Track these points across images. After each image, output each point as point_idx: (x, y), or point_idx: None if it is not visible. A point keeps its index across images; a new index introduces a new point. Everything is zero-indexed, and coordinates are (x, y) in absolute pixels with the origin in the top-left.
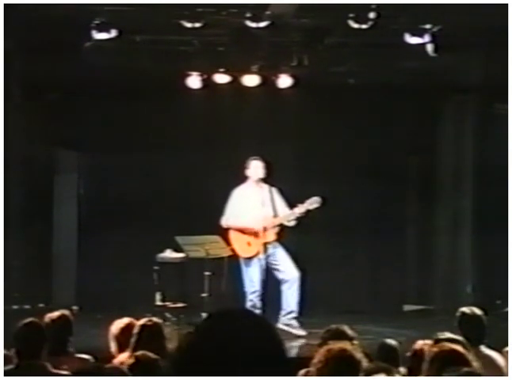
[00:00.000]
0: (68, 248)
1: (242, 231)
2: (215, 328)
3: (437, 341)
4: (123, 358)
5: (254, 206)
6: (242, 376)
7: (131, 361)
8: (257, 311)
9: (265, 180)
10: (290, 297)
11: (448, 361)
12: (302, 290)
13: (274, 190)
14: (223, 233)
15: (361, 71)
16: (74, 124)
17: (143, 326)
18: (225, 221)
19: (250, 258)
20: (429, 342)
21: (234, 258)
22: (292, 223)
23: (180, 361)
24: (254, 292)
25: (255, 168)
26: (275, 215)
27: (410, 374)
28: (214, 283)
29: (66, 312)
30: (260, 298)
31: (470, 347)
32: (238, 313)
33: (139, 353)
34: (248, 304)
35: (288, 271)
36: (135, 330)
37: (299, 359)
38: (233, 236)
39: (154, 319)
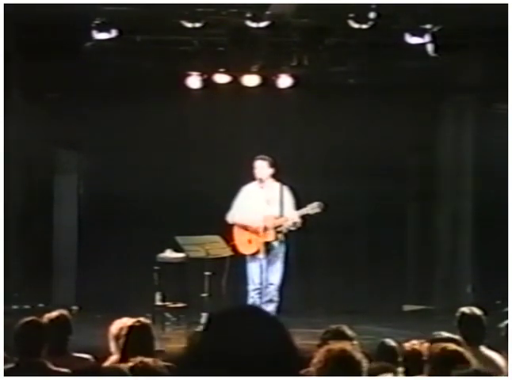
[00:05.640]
0: (68, 248)
1: (244, 228)
2: (225, 327)
3: (434, 341)
4: (113, 360)
5: (257, 204)
6: (252, 375)
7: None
8: None
9: (277, 179)
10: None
11: (449, 361)
12: (302, 290)
13: (286, 188)
14: (224, 232)
15: (361, 71)
16: (74, 124)
17: (131, 328)
18: (231, 217)
19: (251, 255)
20: (416, 342)
21: (235, 258)
22: (294, 228)
23: (191, 361)
24: (255, 290)
25: (257, 167)
26: (281, 215)
27: (407, 373)
28: (214, 283)
29: (64, 312)
30: (260, 296)
31: (466, 347)
32: (246, 311)
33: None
34: (249, 301)
35: (271, 280)
36: (123, 332)
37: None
38: (236, 232)
39: (142, 320)
